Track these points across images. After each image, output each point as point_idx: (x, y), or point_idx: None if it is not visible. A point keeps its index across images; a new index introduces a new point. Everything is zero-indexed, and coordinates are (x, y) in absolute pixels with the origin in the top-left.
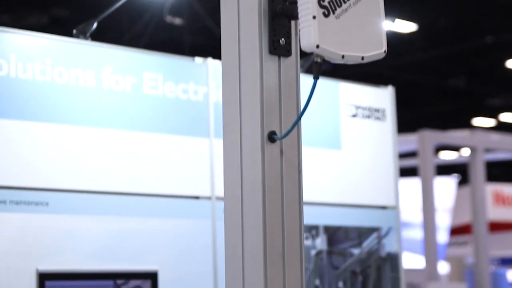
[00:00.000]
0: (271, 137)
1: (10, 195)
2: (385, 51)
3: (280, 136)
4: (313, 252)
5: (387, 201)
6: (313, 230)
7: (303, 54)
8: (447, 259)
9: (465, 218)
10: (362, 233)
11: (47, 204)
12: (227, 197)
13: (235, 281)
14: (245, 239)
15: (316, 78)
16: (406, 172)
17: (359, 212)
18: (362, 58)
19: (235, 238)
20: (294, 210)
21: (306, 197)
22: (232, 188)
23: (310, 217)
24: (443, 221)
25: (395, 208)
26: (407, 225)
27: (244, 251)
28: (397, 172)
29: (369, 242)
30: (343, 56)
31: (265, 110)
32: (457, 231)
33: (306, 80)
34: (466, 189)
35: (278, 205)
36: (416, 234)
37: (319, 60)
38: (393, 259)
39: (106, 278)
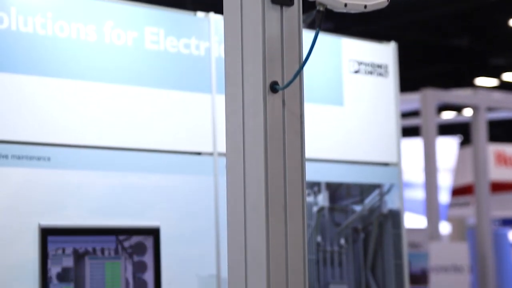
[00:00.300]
0: (273, 87)
1: (12, 150)
2: (388, 0)
3: (282, 86)
4: (315, 209)
5: (389, 158)
6: (315, 186)
7: (306, 5)
8: (449, 219)
9: (467, 179)
10: (364, 190)
11: (49, 159)
12: (229, 147)
13: (237, 233)
14: (247, 190)
15: (318, 27)
16: (409, 131)
17: (361, 168)
18: (365, 6)
19: (237, 189)
20: (296, 160)
21: (308, 153)
22: (234, 138)
23: (312, 173)
24: (445, 182)
25: (397, 165)
26: (409, 185)
27: (246, 203)
28: (400, 129)
29: (371, 199)
30: (345, 5)
31: (267, 60)
32: (458, 191)
33: (308, 36)
34: (468, 150)
35: (280, 155)
36: (418, 194)
37: (321, 8)
38: (395, 216)
39: (108, 234)
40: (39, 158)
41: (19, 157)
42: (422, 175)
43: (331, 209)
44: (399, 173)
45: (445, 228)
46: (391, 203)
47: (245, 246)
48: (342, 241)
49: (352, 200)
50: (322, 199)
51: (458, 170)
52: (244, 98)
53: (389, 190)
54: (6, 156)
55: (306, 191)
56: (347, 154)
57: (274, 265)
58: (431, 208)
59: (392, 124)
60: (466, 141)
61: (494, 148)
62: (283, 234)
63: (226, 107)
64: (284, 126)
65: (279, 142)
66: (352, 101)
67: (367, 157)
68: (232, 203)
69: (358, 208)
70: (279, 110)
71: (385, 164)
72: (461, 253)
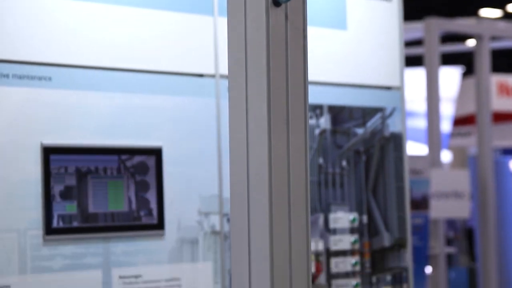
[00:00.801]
0: (276, 0)
1: (13, 69)
2: None
3: None
4: (317, 131)
5: (392, 81)
6: (317, 109)
7: None
8: (450, 148)
9: (468, 109)
10: (366, 113)
11: (50, 79)
12: (231, 62)
13: (239, 149)
14: (249, 105)
15: None
16: (412, 61)
17: (364, 92)
18: None
19: (239, 104)
20: (299, 75)
21: (310, 76)
22: (237, 53)
23: (315, 96)
24: (447, 111)
25: (399, 89)
26: (411, 114)
27: (248, 118)
28: (403, 52)
29: (373, 122)
30: None
31: None
32: (460, 121)
33: None
34: (470, 80)
35: (282, 69)
36: (420, 123)
37: None
38: (397, 139)
39: (110, 153)
40: (40, 78)
41: (20, 77)
42: (425, 104)
43: (333, 131)
44: (402, 96)
45: (446, 156)
46: (393, 126)
47: (247, 162)
48: (344, 163)
49: (354, 123)
50: (324, 122)
51: (460, 100)
52: (246, 12)
53: (391, 114)
54: (7, 76)
55: (309, 114)
56: (350, 77)
57: (276, 180)
58: (433, 136)
59: (396, 48)
60: (468, 72)
61: (496, 79)
62: (285, 149)
63: (228, 22)
64: (287, 41)
65: (281, 57)
66: (355, 25)
67: (369, 81)
68: (234, 118)
69: (360, 131)
70: (282, 24)
71: (388, 88)
72: (461, 179)
